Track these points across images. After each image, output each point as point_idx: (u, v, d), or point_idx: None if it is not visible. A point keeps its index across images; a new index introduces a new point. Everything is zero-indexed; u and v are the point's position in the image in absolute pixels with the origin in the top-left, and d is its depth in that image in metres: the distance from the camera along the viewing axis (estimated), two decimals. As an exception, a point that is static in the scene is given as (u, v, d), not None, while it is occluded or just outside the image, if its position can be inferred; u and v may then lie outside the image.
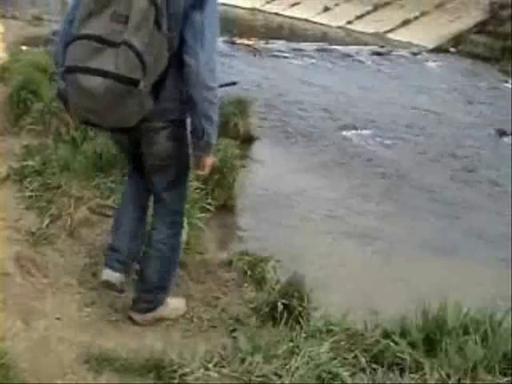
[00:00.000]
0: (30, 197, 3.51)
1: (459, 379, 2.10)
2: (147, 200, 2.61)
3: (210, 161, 2.37)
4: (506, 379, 2.14)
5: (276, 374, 2.12)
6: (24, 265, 2.82)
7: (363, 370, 2.20)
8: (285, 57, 12.87)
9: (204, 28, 2.08)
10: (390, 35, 16.83)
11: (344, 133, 7.61)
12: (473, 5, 16.38)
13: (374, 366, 2.22)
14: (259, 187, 5.51)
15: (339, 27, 18.50)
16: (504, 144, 7.67)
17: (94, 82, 1.97)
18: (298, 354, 2.21)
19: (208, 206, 3.88)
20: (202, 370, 2.14)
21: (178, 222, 2.56)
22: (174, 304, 2.73)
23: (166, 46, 2.05)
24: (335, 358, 2.22)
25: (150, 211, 2.62)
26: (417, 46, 15.38)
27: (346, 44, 15.06)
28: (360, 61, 13.02)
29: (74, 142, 4.49)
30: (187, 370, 2.14)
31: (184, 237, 2.77)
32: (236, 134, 6.28)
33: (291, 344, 2.31)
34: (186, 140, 2.37)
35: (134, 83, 1.97)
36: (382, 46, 15.03)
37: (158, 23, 1.99)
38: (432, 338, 2.30)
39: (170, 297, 2.71)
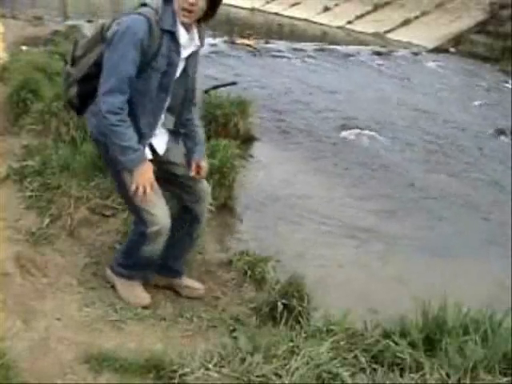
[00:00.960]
0: (30, 197, 3.51)
1: (459, 379, 2.10)
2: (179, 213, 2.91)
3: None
4: (505, 379, 2.13)
5: (276, 374, 2.12)
6: (24, 265, 2.82)
7: (363, 369, 2.20)
8: (285, 57, 12.87)
9: (107, 62, 2.47)
10: (390, 35, 16.85)
11: (343, 133, 7.60)
12: (473, 5, 16.40)
13: (374, 365, 2.22)
14: (259, 187, 5.50)
15: (339, 27, 18.52)
16: (504, 144, 7.67)
17: None
18: (298, 354, 2.21)
19: (208, 206, 3.87)
20: (202, 370, 2.14)
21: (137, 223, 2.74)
22: (134, 291, 2.83)
23: (96, 55, 2.59)
24: (335, 358, 2.22)
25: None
26: (417, 45, 15.39)
27: (346, 44, 15.07)
28: (360, 61, 13.03)
29: (74, 142, 4.49)
30: (187, 369, 2.14)
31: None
32: (236, 134, 6.28)
33: (291, 344, 2.31)
34: (109, 161, 2.66)
35: (65, 62, 2.76)
36: (382, 46, 15.04)
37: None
38: (432, 338, 2.30)
39: (142, 288, 2.86)
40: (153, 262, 2.83)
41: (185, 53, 2.58)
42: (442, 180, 6.23)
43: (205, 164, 2.84)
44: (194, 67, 2.68)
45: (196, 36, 2.60)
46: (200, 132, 2.89)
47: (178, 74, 2.59)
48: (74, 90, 2.67)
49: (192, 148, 2.83)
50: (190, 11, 2.45)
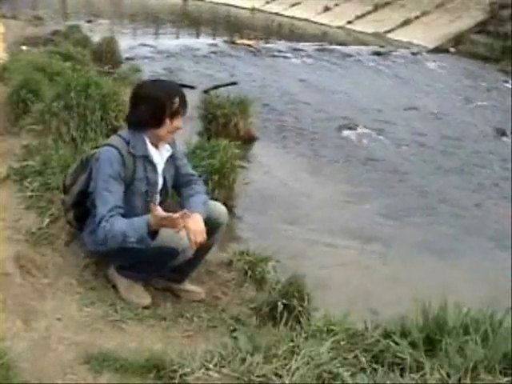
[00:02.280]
0: (30, 197, 3.51)
1: (459, 379, 2.10)
2: None
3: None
4: (506, 379, 2.13)
5: (276, 374, 2.12)
6: (24, 265, 2.82)
7: (363, 369, 2.19)
8: (285, 57, 12.87)
9: (96, 196, 2.66)
10: (390, 35, 16.84)
11: (343, 133, 7.61)
12: (473, 5, 16.38)
13: (375, 365, 2.21)
14: (259, 187, 5.51)
15: (339, 27, 18.51)
16: (504, 144, 7.67)
17: None
18: (298, 354, 2.20)
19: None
20: (202, 370, 2.14)
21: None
22: (135, 291, 2.84)
23: (80, 185, 2.86)
24: (335, 358, 2.21)
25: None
26: (417, 45, 15.38)
27: (346, 44, 15.07)
28: (360, 61, 13.02)
29: (74, 142, 4.49)
30: (187, 369, 2.13)
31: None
32: (236, 134, 6.28)
33: (291, 344, 2.31)
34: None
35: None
36: (382, 46, 15.03)
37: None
38: (432, 338, 2.30)
39: (143, 288, 2.87)
40: (165, 271, 2.87)
41: (160, 167, 2.80)
42: (442, 180, 6.23)
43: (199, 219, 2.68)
44: (170, 168, 2.85)
45: (166, 146, 2.82)
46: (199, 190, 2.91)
47: (159, 188, 2.80)
48: (70, 215, 2.97)
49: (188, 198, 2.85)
50: (173, 133, 2.76)
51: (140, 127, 2.72)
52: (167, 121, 2.68)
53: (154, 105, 2.66)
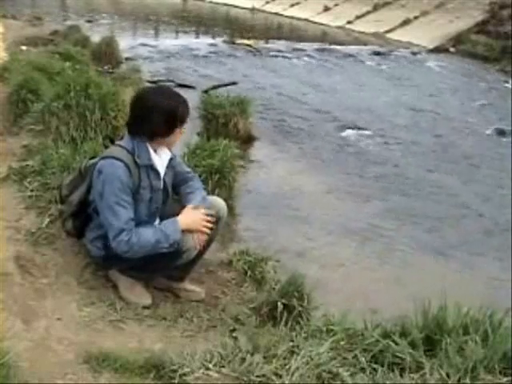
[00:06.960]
0: (30, 197, 3.51)
1: (459, 379, 2.10)
2: None
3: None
4: (505, 379, 2.13)
5: (276, 374, 2.12)
6: (24, 265, 2.83)
7: (363, 369, 2.20)
8: (285, 57, 12.88)
9: (104, 210, 2.62)
10: (390, 35, 16.85)
11: (343, 133, 7.61)
12: (473, 5, 16.40)
13: (374, 365, 2.21)
14: (259, 187, 5.51)
15: (339, 27, 18.51)
16: (504, 144, 7.67)
17: None
18: (298, 354, 2.21)
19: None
20: (201, 370, 2.14)
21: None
22: (136, 291, 2.86)
23: (80, 195, 2.85)
24: (335, 358, 2.22)
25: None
26: (417, 45, 15.39)
27: (346, 44, 15.07)
28: (360, 61, 13.03)
29: (74, 142, 4.50)
30: (187, 369, 2.14)
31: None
32: (236, 134, 6.28)
33: (291, 344, 2.31)
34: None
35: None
36: (382, 46, 15.04)
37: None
38: (432, 338, 2.30)
39: (145, 288, 2.89)
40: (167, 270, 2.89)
41: (163, 171, 2.80)
42: (442, 180, 6.23)
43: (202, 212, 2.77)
44: (169, 171, 2.86)
45: (165, 150, 2.82)
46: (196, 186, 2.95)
47: (161, 193, 2.80)
48: (69, 224, 2.95)
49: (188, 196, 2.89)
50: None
51: (152, 137, 2.70)
52: (177, 129, 2.72)
53: (167, 115, 2.66)
